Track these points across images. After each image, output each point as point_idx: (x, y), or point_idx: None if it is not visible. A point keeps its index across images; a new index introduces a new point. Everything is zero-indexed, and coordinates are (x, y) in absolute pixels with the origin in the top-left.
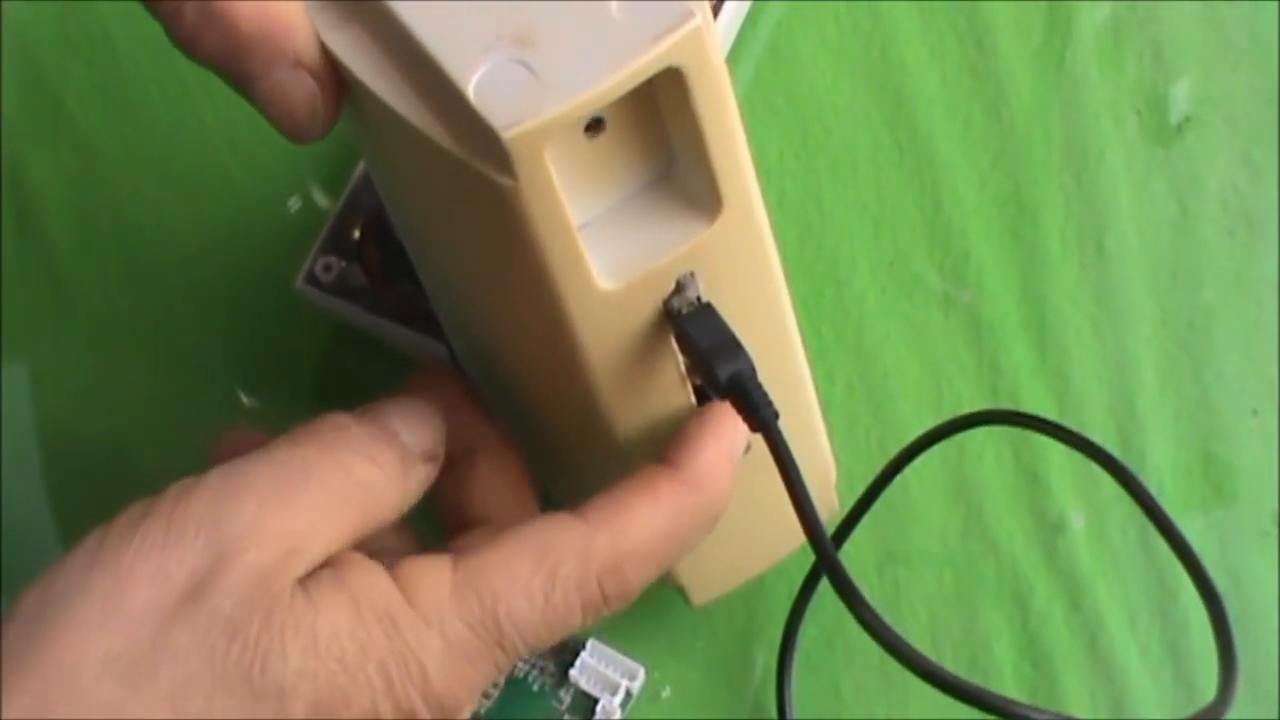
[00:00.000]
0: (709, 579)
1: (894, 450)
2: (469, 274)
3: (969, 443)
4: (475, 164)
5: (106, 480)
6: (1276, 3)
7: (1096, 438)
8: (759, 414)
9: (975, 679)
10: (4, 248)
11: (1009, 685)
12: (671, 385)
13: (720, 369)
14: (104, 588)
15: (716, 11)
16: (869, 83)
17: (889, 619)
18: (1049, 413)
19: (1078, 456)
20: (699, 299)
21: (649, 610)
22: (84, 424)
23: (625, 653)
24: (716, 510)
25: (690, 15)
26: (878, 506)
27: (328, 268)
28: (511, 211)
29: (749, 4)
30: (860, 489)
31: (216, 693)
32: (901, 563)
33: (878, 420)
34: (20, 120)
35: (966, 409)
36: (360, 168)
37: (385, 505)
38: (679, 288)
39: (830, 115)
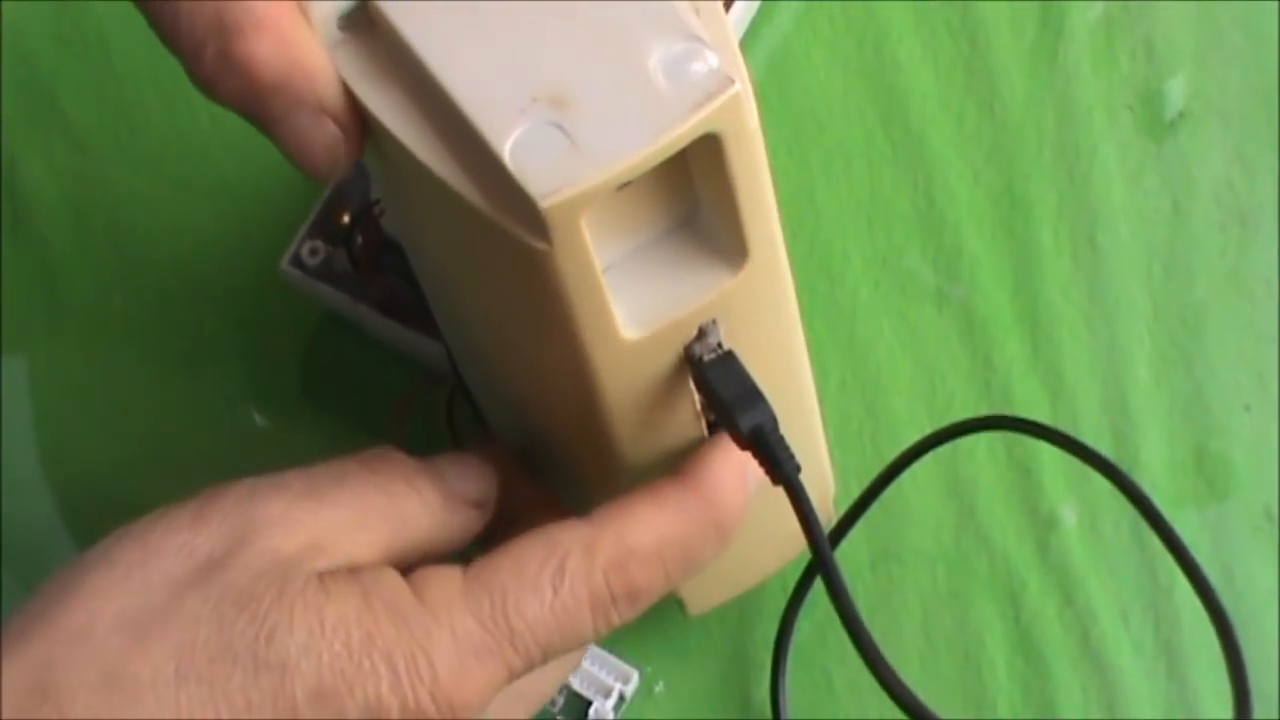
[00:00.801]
0: (706, 590)
1: (887, 446)
2: (488, 316)
3: (962, 439)
4: (508, 226)
5: (104, 472)
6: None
7: (1089, 433)
8: (781, 468)
9: (968, 674)
10: (1, 247)
11: (1002, 680)
12: (686, 421)
13: (742, 419)
14: (128, 558)
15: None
16: (862, 78)
17: (881, 614)
18: (1042, 408)
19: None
20: (719, 345)
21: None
22: (80, 418)
23: (619, 654)
24: (726, 523)
25: (729, 83)
26: (871, 504)
27: (314, 251)
28: (543, 273)
29: (758, 3)
30: (853, 485)
31: (221, 658)
32: (895, 559)
33: (871, 416)
34: (15, 119)
35: (959, 404)
36: None
37: (419, 529)
38: (700, 334)
39: (823, 111)
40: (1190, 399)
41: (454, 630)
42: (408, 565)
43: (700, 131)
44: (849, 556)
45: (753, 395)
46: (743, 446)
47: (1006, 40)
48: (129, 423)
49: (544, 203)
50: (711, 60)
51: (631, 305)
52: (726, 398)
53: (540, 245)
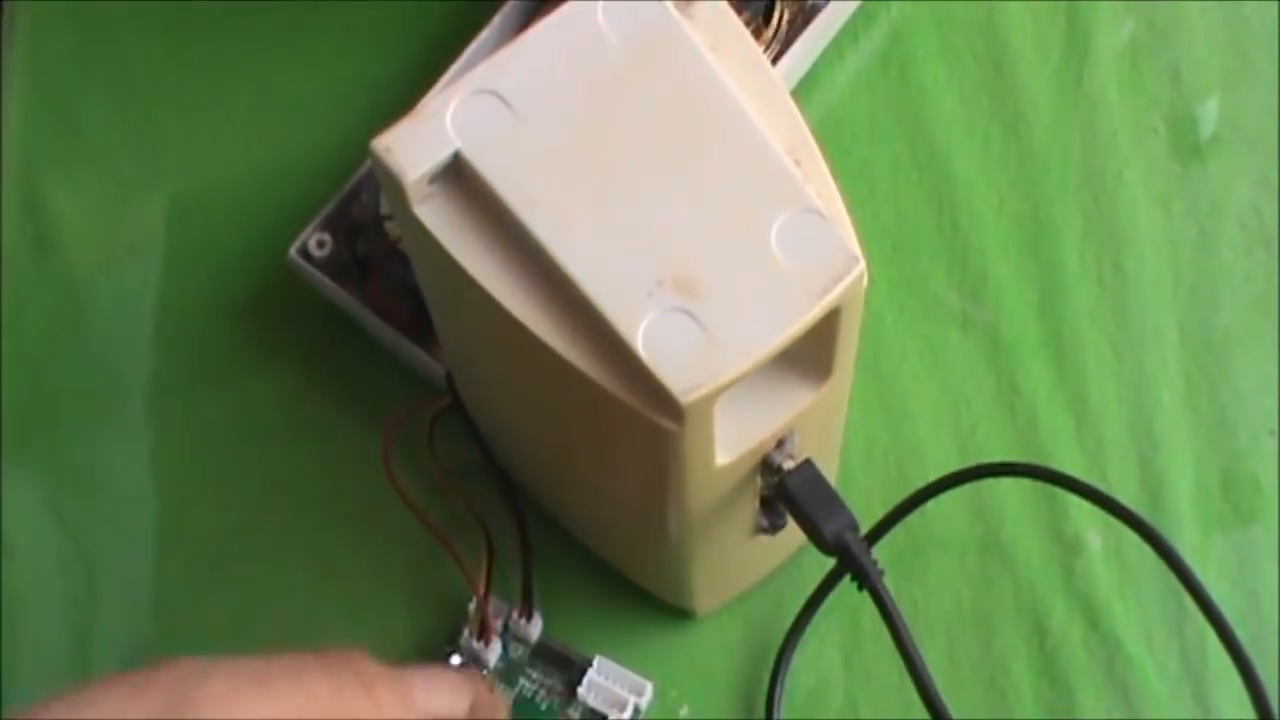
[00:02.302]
0: (711, 595)
1: (912, 470)
2: (561, 441)
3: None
4: (635, 406)
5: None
6: None
7: (1114, 458)
8: (867, 577)
9: (993, 699)
10: (24, 269)
11: (1027, 705)
12: (746, 508)
13: (825, 527)
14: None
15: (780, 56)
16: (888, 102)
17: None
18: (1067, 432)
19: (1095, 476)
20: (795, 453)
21: (665, 628)
22: (101, 443)
23: (633, 668)
24: None
25: (855, 262)
26: (897, 531)
27: (321, 244)
28: (665, 445)
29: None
30: (877, 508)
31: None
32: (919, 584)
33: (895, 440)
34: (38, 142)
35: (984, 429)
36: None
37: None
38: (780, 444)
39: (849, 135)
40: (1216, 424)
41: None
42: None
43: (828, 310)
44: None
45: (833, 502)
46: (826, 553)
47: (1032, 65)
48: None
49: (685, 400)
50: (834, 236)
51: (725, 435)
52: (809, 507)
53: (670, 427)
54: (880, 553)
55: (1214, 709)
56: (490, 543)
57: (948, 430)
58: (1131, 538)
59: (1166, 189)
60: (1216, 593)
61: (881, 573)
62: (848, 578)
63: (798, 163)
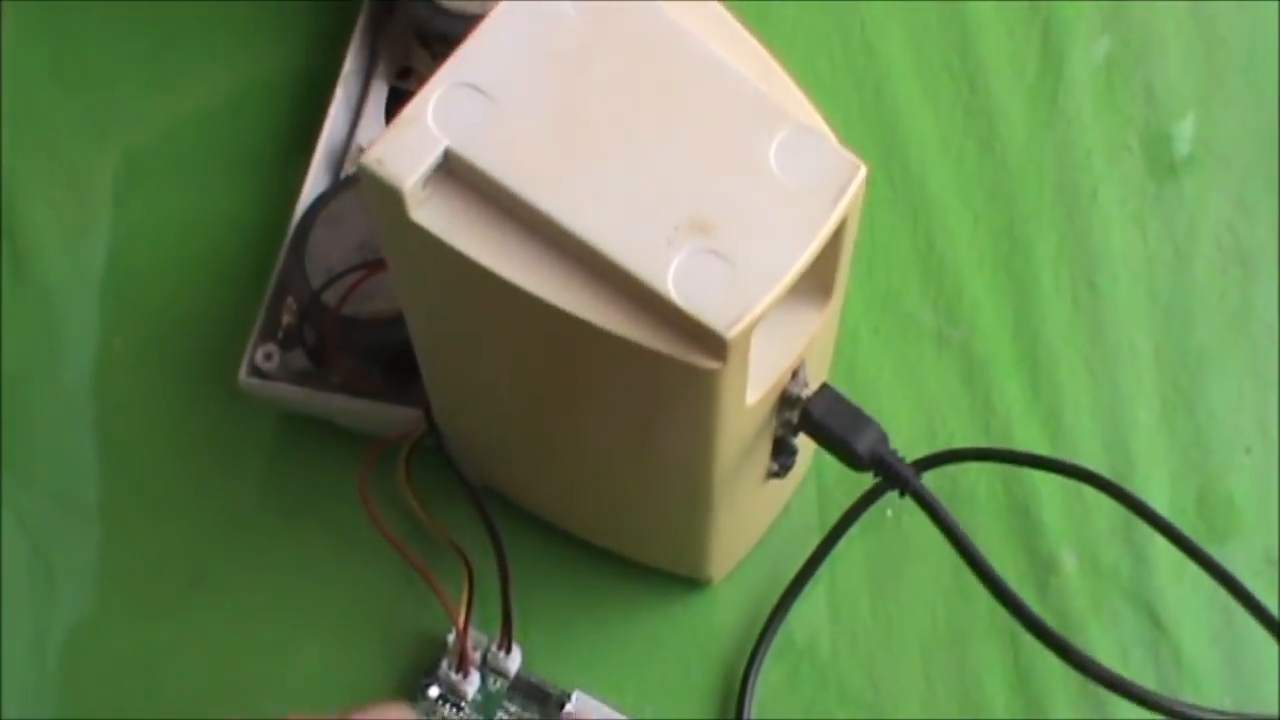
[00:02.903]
0: (723, 560)
1: None
2: (583, 422)
3: (962, 480)
4: (676, 356)
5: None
6: (1274, 44)
7: None
8: (904, 481)
9: (967, 714)
10: (1, 287)
11: None
12: (763, 452)
13: (859, 445)
14: None
15: None
16: (862, 120)
17: (881, 655)
18: (1041, 450)
19: (1070, 494)
20: (808, 380)
21: (642, 646)
22: (78, 462)
23: (610, 703)
24: None
25: (857, 167)
26: (871, 543)
27: (268, 356)
28: (706, 386)
29: None
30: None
31: None
32: (894, 600)
33: None
34: (15, 159)
35: (959, 446)
36: (283, 251)
37: None
38: (794, 376)
39: None
40: (1191, 442)
41: None
42: None
43: (841, 219)
44: (848, 596)
45: (860, 419)
46: (862, 468)
47: (1007, 82)
48: (129, 462)
49: (729, 334)
50: (830, 147)
51: (751, 372)
52: (839, 428)
53: (713, 366)
54: (856, 568)
55: None
56: (470, 573)
57: (922, 447)
58: (1107, 555)
59: (1141, 207)
60: (1190, 609)
61: (919, 475)
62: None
63: (772, 89)
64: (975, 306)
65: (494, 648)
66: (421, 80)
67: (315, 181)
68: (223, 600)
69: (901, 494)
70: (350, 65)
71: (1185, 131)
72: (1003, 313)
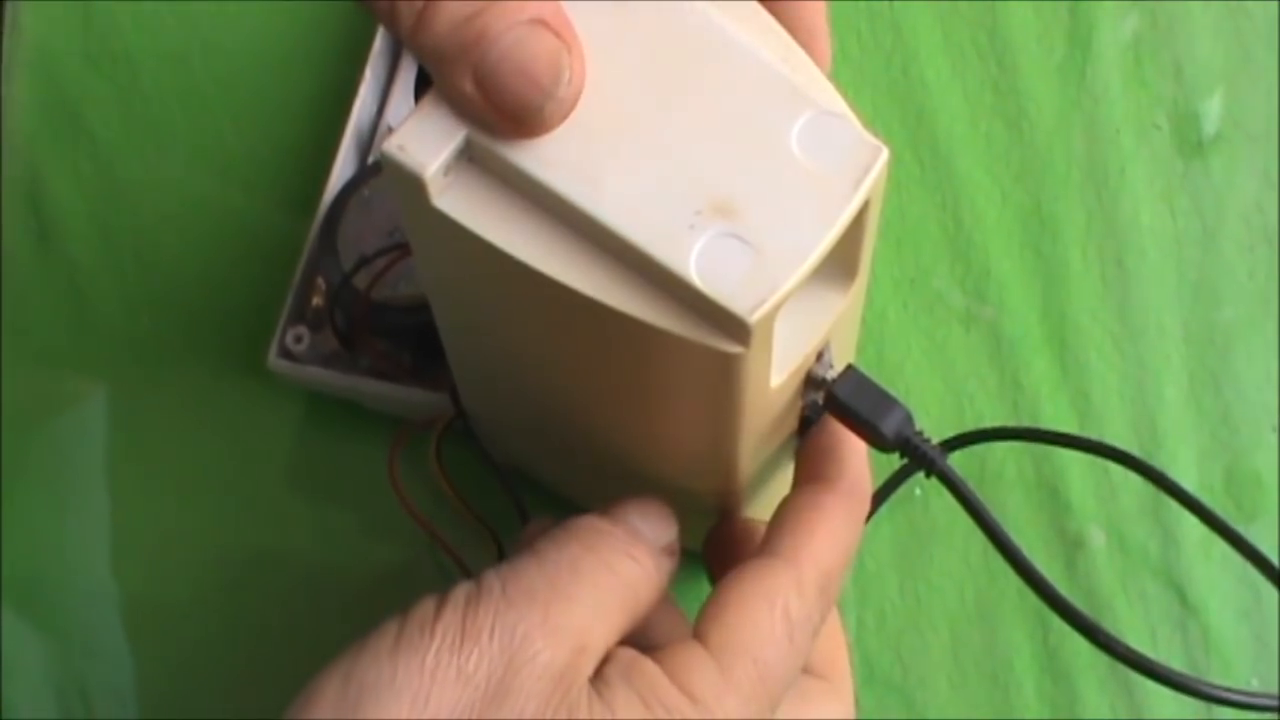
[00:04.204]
0: None
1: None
2: (607, 409)
3: (990, 458)
4: (699, 340)
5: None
6: None
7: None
8: (930, 462)
9: (996, 695)
10: (26, 264)
11: (1030, 701)
12: (786, 433)
13: (885, 426)
14: (411, 686)
15: None
16: (890, 99)
17: (909, 636)
18: (1069, 428)
19: (1098, 472)
20: (833, 362)
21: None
22: (104, 437)
23: None
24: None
25: (880, 150)
26: (899, 523)
27: (298, 339)
28: (730, 370)
29: None
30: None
31: None
32: (923, 580)
33: None
34: (42, 137)
35: (988, 425)
36: (313, 232)
37: (646, 599)
38: (819, 358)
39: None
40: (1218, 420)
41: (728, 717)
42: (634, 633)
43: (864, 202)
44: (876, 576)
45: (885, 400)
46: (889, 450)
47: (1035, 60)
48: (156, 439)
49: (752, 318)
50: (852, 130)
51: (775, 354)
52: (865, 410)
53: (736, 351)
54: (884, 547)
55: (1215, 706)
56: (501, 550)
57: (951, 427)
58: (1135, 533)
59: (1169, 185)
60: (1219, 589)
61: (945, 455)
62: None
63: (793, 71)
64: (1003, 285)
65: None
66: None
67: (344, 162)
68: (248, 582)
69: (928, 474)
70: (379, 45)
71: (1213, 109)
72: (1031, 291)
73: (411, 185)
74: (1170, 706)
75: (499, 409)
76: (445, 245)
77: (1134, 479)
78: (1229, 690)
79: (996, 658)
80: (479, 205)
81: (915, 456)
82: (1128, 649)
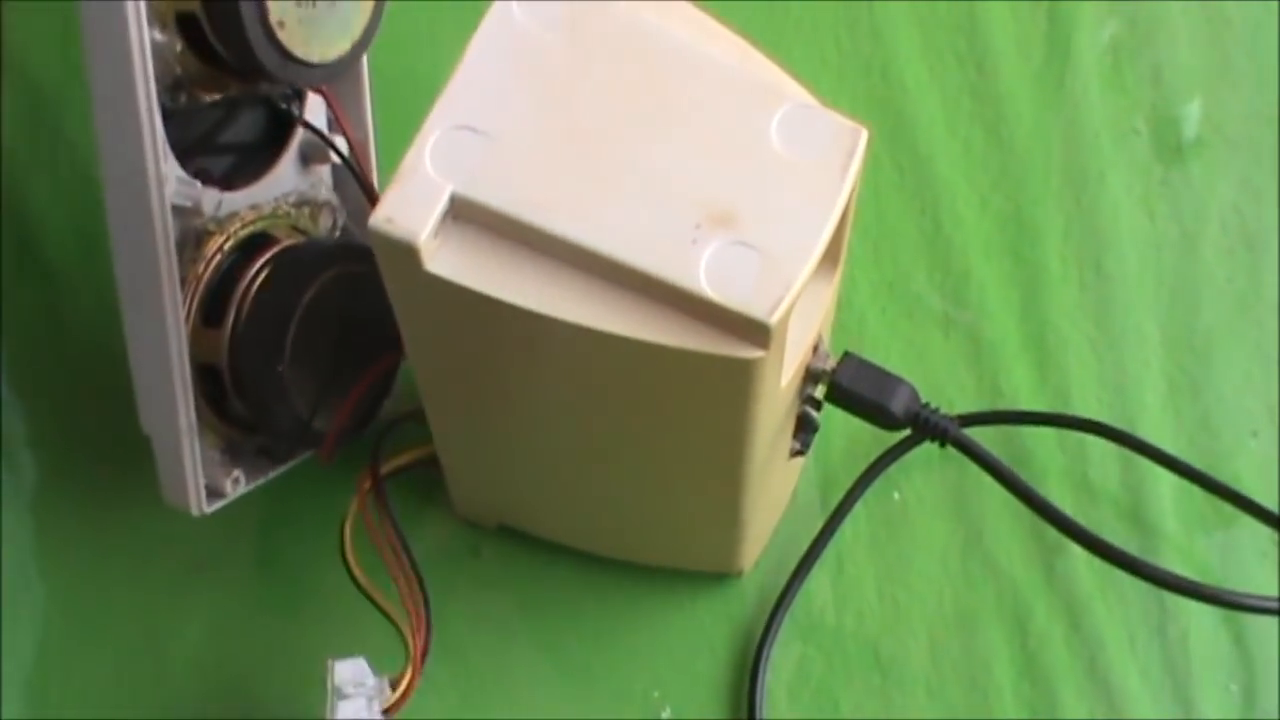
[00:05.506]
0: (754, 544)
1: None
2: (616, 440)
3: (969, 464)
4: (716, 351)
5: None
6: (1276, 26)
7: (1095, 458)
8: (943, 431)
9: (975, 700)
10: (3, 273)
11: (1009, 706)
12: (787, 433)
13: (893, 405)
14: None
15: None
16: (869, 104)
17: (888, 639)
18: (1048, 432)
19: (1077, 477)
20: (828, 352)
21: (651, 631)
22: (82, 444)
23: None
24: None
25: (859, 131)
26: (877, 527)
27: (235, 482)
28: (747, 376)
29: None
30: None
31: None
32: (901, 584)
33: (877, 440)
34: (20, 146)
35: None
36: None
37: None
38: (814, 351)
39: None
40: (1198, 425)
41: None
42: None
43: (854, 186)
44: (855, 580)
45: (888, 380)
46: (900, 427)
47: (1014, 66)
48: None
49: (772, 319)
50: (828, 118)
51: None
52: (870, 393)
53: (756, 355)
54: (862, 552)
55: (1196, 709)
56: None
57: None
58: (1114, 538)
59: (1148, 190)
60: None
61: (958, 425)
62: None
63: (756, 70)
64: (982, 289)
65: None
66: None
67: None
68: (223, 583)
69: (942, 444)
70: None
71: (1192, 114)
72: (1010, 296)
73: (402, 255)
74: (1149, 712)
75: (491, 465)
76: (440, 310)
77: (1113, 485)
78: (1263, 598)
79: (975, 662)
80: (474, 262)
81: (928, 429)
82: (1175, 575)
